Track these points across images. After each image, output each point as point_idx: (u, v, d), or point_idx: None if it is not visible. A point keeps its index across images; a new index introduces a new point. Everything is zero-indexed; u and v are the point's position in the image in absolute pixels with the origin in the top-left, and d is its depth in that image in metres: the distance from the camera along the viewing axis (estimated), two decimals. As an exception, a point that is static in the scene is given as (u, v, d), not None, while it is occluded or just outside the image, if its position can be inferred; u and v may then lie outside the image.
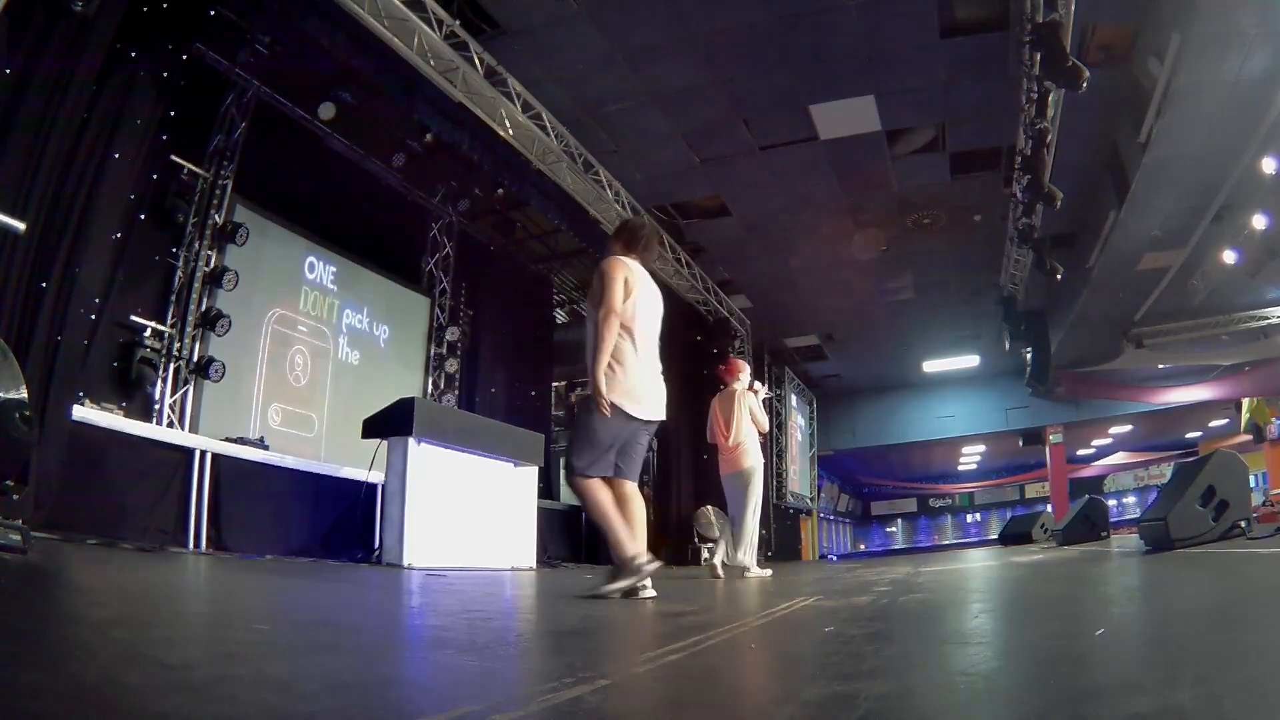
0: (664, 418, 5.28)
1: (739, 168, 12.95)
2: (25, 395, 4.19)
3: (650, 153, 12.43)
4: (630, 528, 4.78)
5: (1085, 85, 8.67)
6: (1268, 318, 17.92)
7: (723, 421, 8.87)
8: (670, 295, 14.85)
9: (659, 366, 5.31)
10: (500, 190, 12.30)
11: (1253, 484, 8.76)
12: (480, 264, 14.00)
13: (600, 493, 4.81)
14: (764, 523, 18.67)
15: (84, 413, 6.79)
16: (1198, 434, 31.08)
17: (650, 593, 4.71)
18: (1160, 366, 20.74)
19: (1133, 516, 27.90)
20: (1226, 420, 27.21)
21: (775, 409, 21.57)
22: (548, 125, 10.57)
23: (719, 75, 10.72)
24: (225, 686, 1.73)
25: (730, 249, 15.86)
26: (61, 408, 6.36)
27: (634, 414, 4.95)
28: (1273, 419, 22.52)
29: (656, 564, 4.77)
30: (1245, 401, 23.29)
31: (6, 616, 2.61)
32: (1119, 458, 34.80)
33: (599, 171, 11.85)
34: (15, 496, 3.97)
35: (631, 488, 5.00)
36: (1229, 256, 13.77)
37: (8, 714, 1.33)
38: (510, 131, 10.13)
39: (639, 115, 11.48)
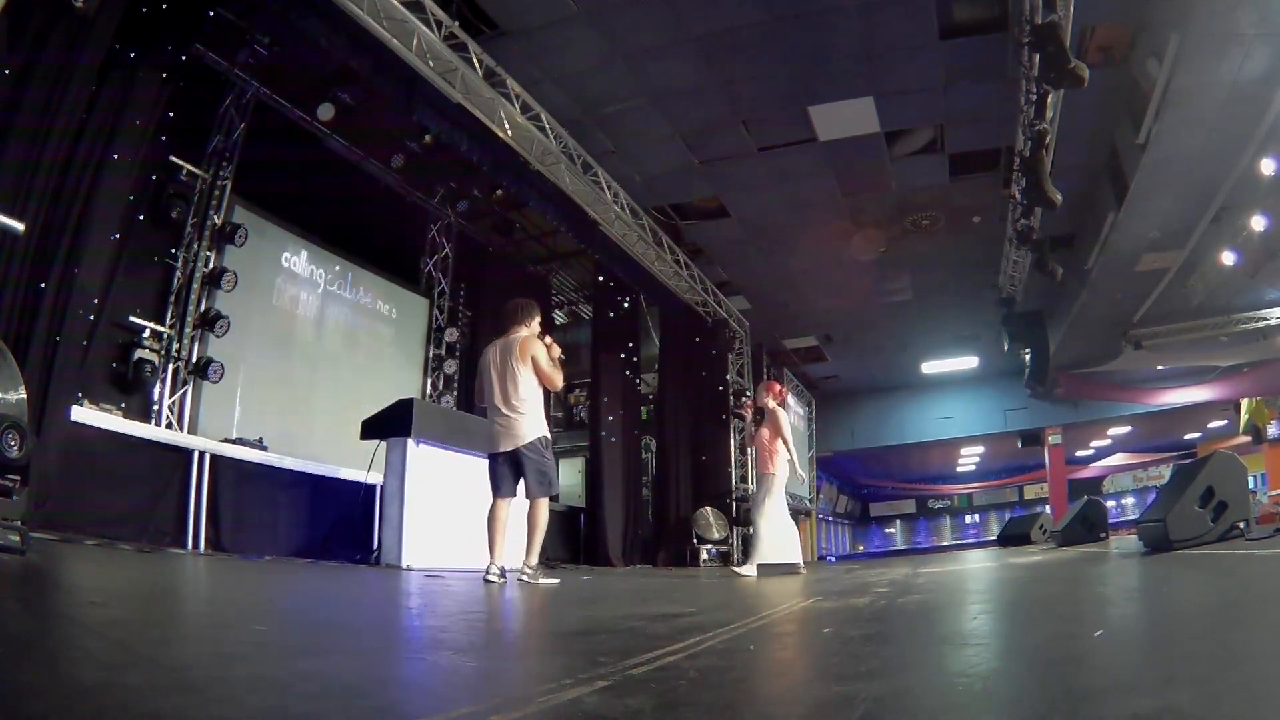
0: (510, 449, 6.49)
1: (738, 169, 12.95)
2: (23, 396, 4.19)
3: (649, 154, 12.43)
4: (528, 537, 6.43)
5: (1086, 85, 8.70)
6: (1266, 319, 17.90)
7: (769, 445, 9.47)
8: (669, 296, 14.90)
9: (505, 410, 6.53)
10: (499, 191, 12.32)
11: (1252, 485, 8.75)
12: (479, 265, 14.00)
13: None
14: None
15: (83, 413, 6.78)
16: (1197, 435, 31.07)
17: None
18: (1159, 368, 20.72)
19: (1132, 518, 27.89)
20: (1225, 421, 27.19)
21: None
22: (546, 126, 10.57)
23: (718, 76, 10.71)
24: (224, 687, 1.73)
25: (729, 250, 15.86)
26: (60, 408, 6.36)
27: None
28: (1272, 420, 22.52)
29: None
30: (1244, 402, 23.27)
31: (6, 617, 2.61)
32: (1118, 459, 34.78)
33: (598, 172, 11.85)
34: (14, 497, 3.97)
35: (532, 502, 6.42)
36: (1228, 257, 13.76)
37: (7, 714, 1.33)
38: (509, 132, 10.13)
39: (638, 116, 11.48)
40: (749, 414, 9.50)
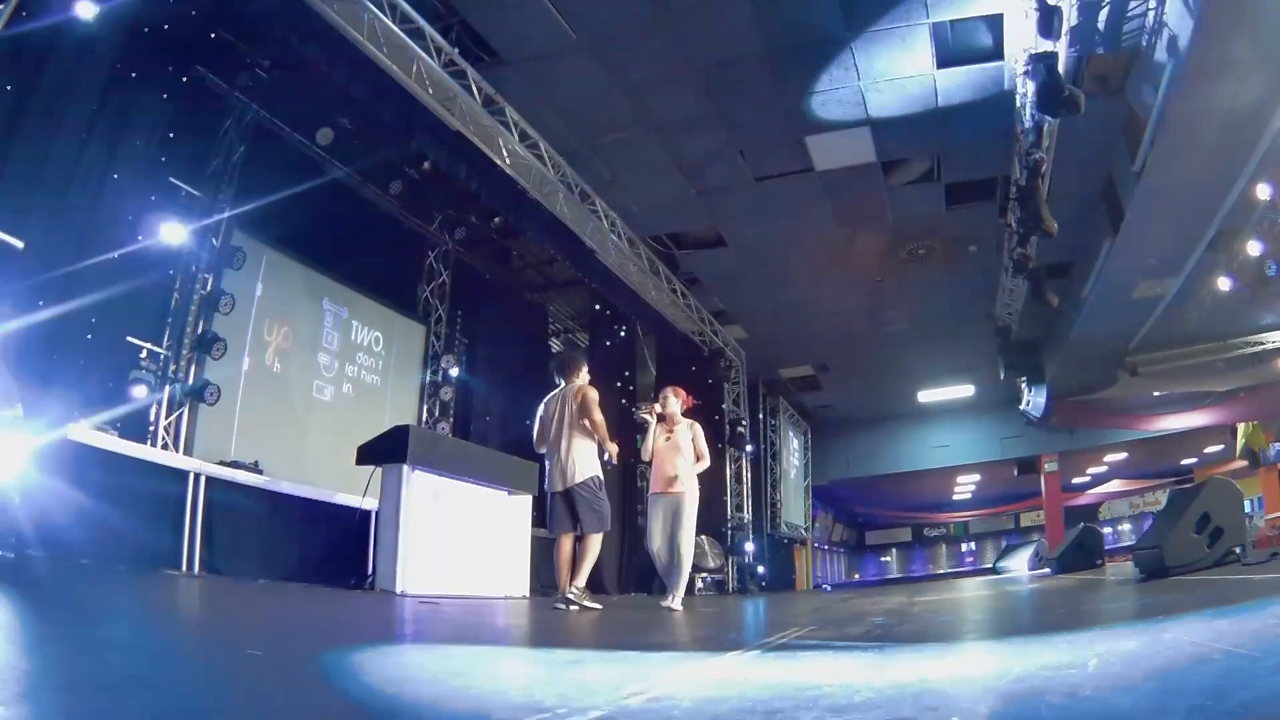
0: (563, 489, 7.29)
1: (735, 199, 13.02)
2: (20, 414, 4.19)
3: (647, 183, 12.50)
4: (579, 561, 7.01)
5: (1083, 112, 8.78)
6: (1263, 343, 17.96)
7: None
8: (665, 325, 14.91)
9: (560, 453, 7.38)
10: (497, 219, 12.35)
11: (1248, 509, 8.75)
12: (476, 292, 14.01)
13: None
14: (759, 553, 18.69)
15: (79, 433, 6.76)
16: (1193, 460, 31.07)
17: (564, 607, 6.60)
18: (1155, 394, 20.76)
19: (1128, 544, 27.85)
20: (1222, 446, 27.20)
21: (770, 439, 21.56)
22: (545, 155, 10.62)
23: (716, 107, 10.80)
24: (222, 716, 1.73)
25: (726, 279, 15.92)
26: (56, 427, 6.35)
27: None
28: (1268, 444, 22.52)
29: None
30: (1240, 427, 23.25)
31: (-3, 640, 2.59)
32: (1114, 485, 34.80)
33: (595, 202, 11.90)
34: (8, 516, 3.96)
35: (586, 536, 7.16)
36: (1224, 283, 13.83)
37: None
38: (507, 160, 10.18)
39: (636, 146, 11.55)
40: (651, 417, 8.06)
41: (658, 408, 8.11)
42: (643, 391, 17.26)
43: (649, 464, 8.17)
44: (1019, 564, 23.72)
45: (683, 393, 8.31)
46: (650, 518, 7.88)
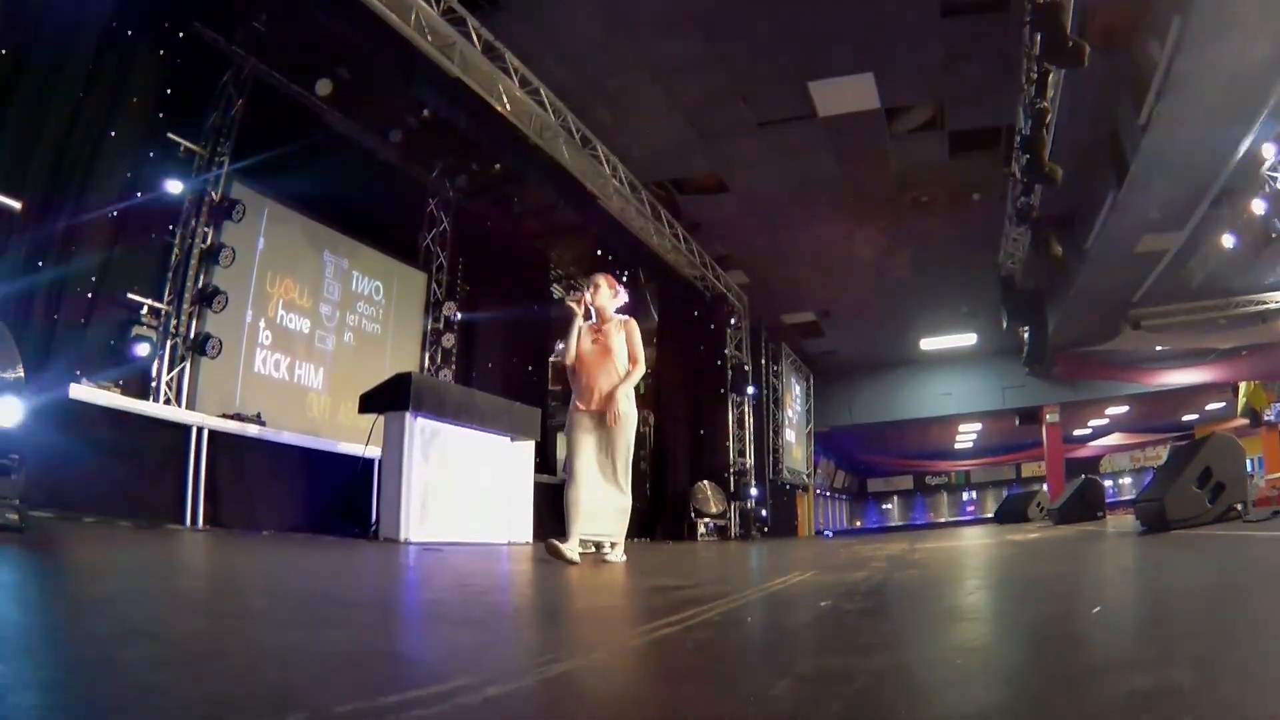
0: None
1: (737, 144, 12.91)
2: (21, 375, 4.18)
3: (649, 129, 12.38)
4: None
5: (1087, 63, 8.67)
6: (1265, 303, 17.96)
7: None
8: (667, 271, 14.88)
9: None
10: (498, 166, 12.25)
11: (1249, 468, 8.75)
12: (477, 240, 13.94)
13: None
14: (761, 499, 18.80)
15: (81, 391, 6.77)
16: (1194, 417, 31.19)
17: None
18: (1158, 348, 20.77)
19: (1129, 498, 28.01)
20: (1223, 404, 27.26)
21: (772, 385, 21.57)
22: (545, 101, 10.52)
23: (717, 51, 10.66)
24: (221, 661, 1.73)
25: (728, 225, 15.83)
26: (58, 387, 6.36)
27: None
28: (1269, 404, 22.56)
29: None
30: (1242, 386, 23.31)
31: (4, 596, 2.61)
32: (1115, 439, 34.91)
33: (597, 147, 11.82)
34: (13, 476, 3.97)
35: None
36: (1227, 241, 13.78)
37: (5, 692, 1.32)
38: (508, 107, 10.08)
39: (637, 91, 11.42)
40: (579, 308, 6.28)
41: (588, 297, 6.37)
42: (644, 338, 17.29)
43: (571, 371, 6.35)
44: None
45: (615, 283, 6.55)
46: (572, 444, 6.07)
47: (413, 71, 9.18)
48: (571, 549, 5.53)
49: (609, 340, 6.23)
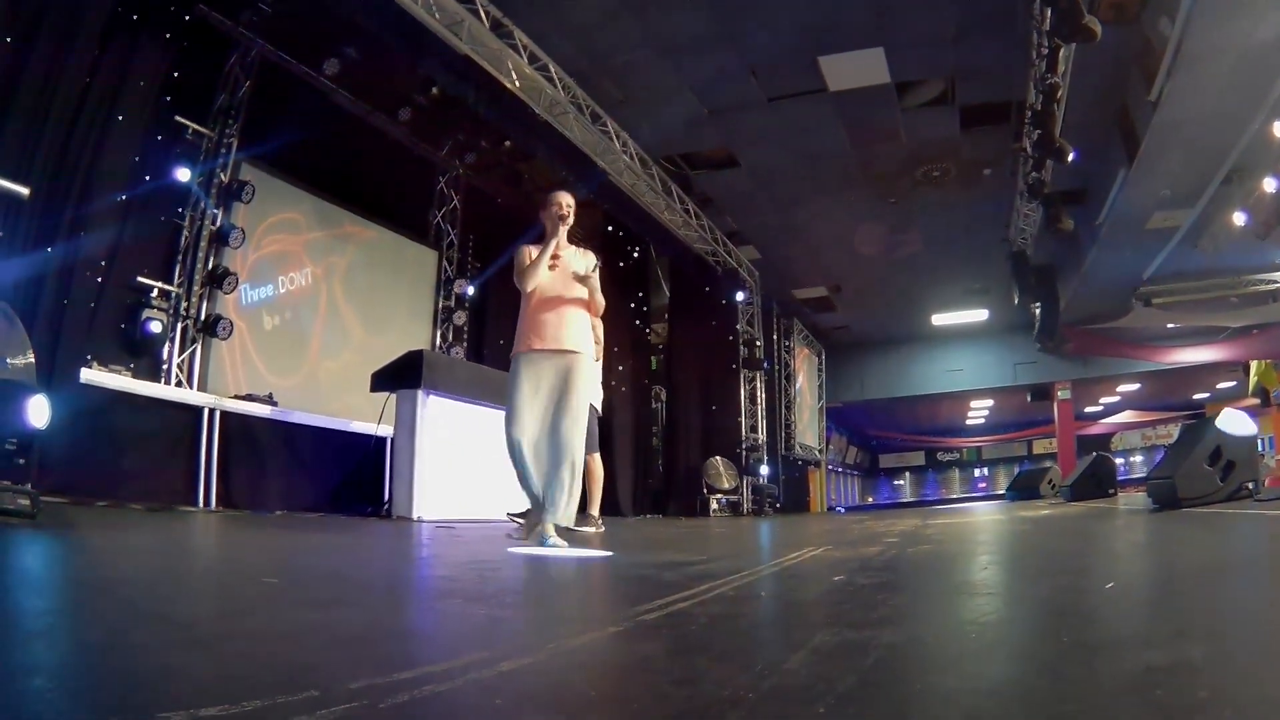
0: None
1: (747, 119, 12.82)
2: (32, 360, 4.19)
3: (658, 104, 12.29)
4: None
5: (1098, 40, 8.59)
6: (1276, 281, 17.84)
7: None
8: (679, 246, 14.86)
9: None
10: (507, 143, 12.21)
11: (1260, 448, 8.74)
12: (488, 217, 13.92)
13: None
14: (773, 475, 18.83)
15: (92, 375, 6.80)
16: (1205, 395, 31.05)
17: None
18: (1169, 326, 20.66)
19: (1140, 475, 27.95)
20: (1234, 383, 27.12)
21: (784, 360, 21.53)
22: (555, 77, 10.48)
23: (727, 26, 10.57)
24: (234, 642, 1.74)
25: (739, 200, 15.75)
26: (69, 371, 6.39)
27: None
28: (1280, 383, 22.45)
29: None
30: (1253, 365, 23.14)
31: (16, 581, 2.63)
32: (1126, 416, 34.82)
33: (606, 123, 11.77)
34: (23, 461, 3.99)
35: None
36: (1238, 218, 13.66)
37: (17, 674, 1.33)
38: (517, 84, 10.04)
39: (647, 66, 11.34)
40: (564, 226, 5.19)
41: (559, 211, 5.23)
42: (655, 313, 17.27)
43: (525, 301, 5.21)
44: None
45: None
46: (516, 391, 5.05)
47: (421, 49, 9.14)
48: (569, 519, 4.87)
49: (569, 265, 5.18)
